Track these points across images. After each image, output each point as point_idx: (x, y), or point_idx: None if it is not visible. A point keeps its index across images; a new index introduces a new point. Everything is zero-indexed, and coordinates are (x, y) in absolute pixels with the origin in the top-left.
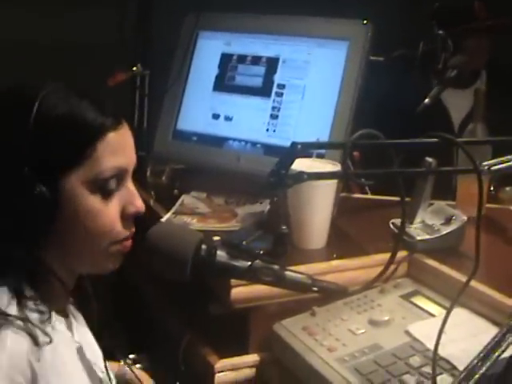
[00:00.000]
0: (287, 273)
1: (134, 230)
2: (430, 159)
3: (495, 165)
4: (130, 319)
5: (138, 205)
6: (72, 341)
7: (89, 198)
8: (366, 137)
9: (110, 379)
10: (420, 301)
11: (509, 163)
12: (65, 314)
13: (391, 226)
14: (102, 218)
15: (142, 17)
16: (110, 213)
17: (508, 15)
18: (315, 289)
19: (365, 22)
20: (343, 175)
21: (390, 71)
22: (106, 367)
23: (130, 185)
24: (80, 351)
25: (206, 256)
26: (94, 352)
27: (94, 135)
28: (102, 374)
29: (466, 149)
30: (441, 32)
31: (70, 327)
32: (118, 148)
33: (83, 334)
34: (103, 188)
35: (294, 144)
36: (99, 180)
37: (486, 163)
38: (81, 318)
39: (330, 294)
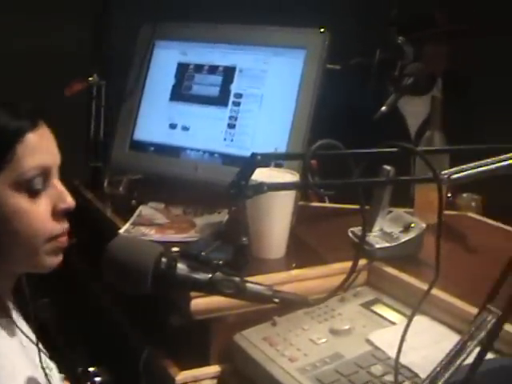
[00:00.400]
0: (248, 285)
1: (67, 225)
2: (388, 167)
3: (454, 173)
4: (89, 331)
5: (68, 201)
6: (13, 341)
7: (16, 199)
8: (325, 147)
9: (46, 374)
10: (380, 309)
11: (468, 172)
12: (7, 315)
13: (350, 234)
14: (31, 218)
15: (99, 27)
16: (39, 212)
17: (465, 22)
18: (276, 300)
19: (321, 30)
20: (303, 186)
21: (347, 79)
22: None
23: (56, 183)
24: (22, 350)
25: (167, 269)
26: (33, 351)
27: (11, 139)
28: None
29: (427, 158)
30: (398, 39)
31: (11, 328)
32: (38, 148)
33: (26, 333)
34: (29, 188)
35: (253, 155)
36: (23, 180)
37: (445, 172)
38: (20, 317)
39: (291, 305)
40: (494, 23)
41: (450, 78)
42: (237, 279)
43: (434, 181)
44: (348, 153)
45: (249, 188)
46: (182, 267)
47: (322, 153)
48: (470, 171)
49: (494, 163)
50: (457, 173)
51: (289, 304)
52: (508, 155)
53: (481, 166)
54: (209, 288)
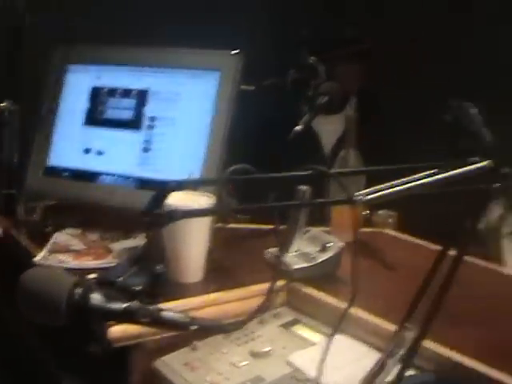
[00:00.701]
0: (163, 313)
1: None
2: (303, 187)
3: (369, 194)
4: (6, 361)
5: None
6: None
7: None
8: (239, 171)
9: None
10: (300, 329)
11: (383, 192)
12: None
13: (267, 255)
14: None
15: (11, 51)
16: None
17: (377, 41)
18: (193, 328)
19: (235, 52)
20: (219, 212)
21: (261, 100)
22: None
23: None
24: None
25: (81, 299)
26: None
27: None
28: None
29: (341, 181)
30: (310, 59)
31: None
32: None
33: None
34: None
35: (166, 182)
36: None
37: (360, 193)
38: None
39: (210, 331)
40: (404, 42)
41: (364, 96)
42: (152, 308)
43: (348, 202)
44: (262, 177)
45: (162, 216)
46: (96, 297)
47: (236, 178)
48: (384, 191)
49: (408, 182)
50: (372, 193)
51: (207, 331)
52: (422, 174)
53: (396, 186)
54: (124, 318)
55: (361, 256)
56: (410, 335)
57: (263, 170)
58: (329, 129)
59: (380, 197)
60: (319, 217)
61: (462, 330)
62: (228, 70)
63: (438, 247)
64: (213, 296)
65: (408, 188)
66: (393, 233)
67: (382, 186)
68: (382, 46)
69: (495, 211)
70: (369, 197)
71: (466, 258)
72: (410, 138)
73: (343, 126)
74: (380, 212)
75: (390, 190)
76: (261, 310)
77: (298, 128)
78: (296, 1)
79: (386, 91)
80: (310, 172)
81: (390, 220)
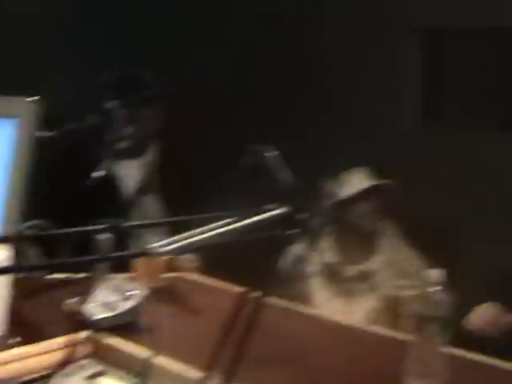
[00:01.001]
0: None
1: None
2: (103, 236)
3: (169, 244)
4: None
5: None
6: None
7: None
8: (33, 227)
9: None
10: (106, 381)
11: (181, 243)
12: None
13: (67, 306)
14: None
15: None
16: None
17: (182, 85)
18: None
19: (33, 98)
20: (14, 270)
21: (62, 147)
22: None
23: None
24: None
25: None
26: None
27: None
28: None
29: (136, 233)
30: (111, 104)
31: None
32: None
33: None
34: None
35: None
36: None
37: (156, 244)
38: None
39: None
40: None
41: (167, 139)
42: None
43: (143, 255)
44: (56, 233)
45: None
46: None
47: (30, 235)
48: (182, 242)
49: (207, 231)
50: (171, 243)
51: None
52: (220, 223)
53: (194, 235)
54: None
55: (165, 302)
56: (214, 382)
57: (65, 219)
58: (130, 174)
59: (177, 249)
60: (122, 263)
61: (269, 372)
62: (25, 116)
63: (240, 289)
64: (16, 351)
65: (205, 238)
66: (196, 277)
67: (181, 236)
68: (188, 89)
69: (297, 252)
70: (165, 249)
71: (269, 299)
72: (215, 182)
73: (145, 171)
74: (184, 256)
75: (188, 241)
76: (64, 362)
77: (97, 174)
78: (99, 45)
79: (192, 135)
80: (104, 226)
81: (194, 263)
